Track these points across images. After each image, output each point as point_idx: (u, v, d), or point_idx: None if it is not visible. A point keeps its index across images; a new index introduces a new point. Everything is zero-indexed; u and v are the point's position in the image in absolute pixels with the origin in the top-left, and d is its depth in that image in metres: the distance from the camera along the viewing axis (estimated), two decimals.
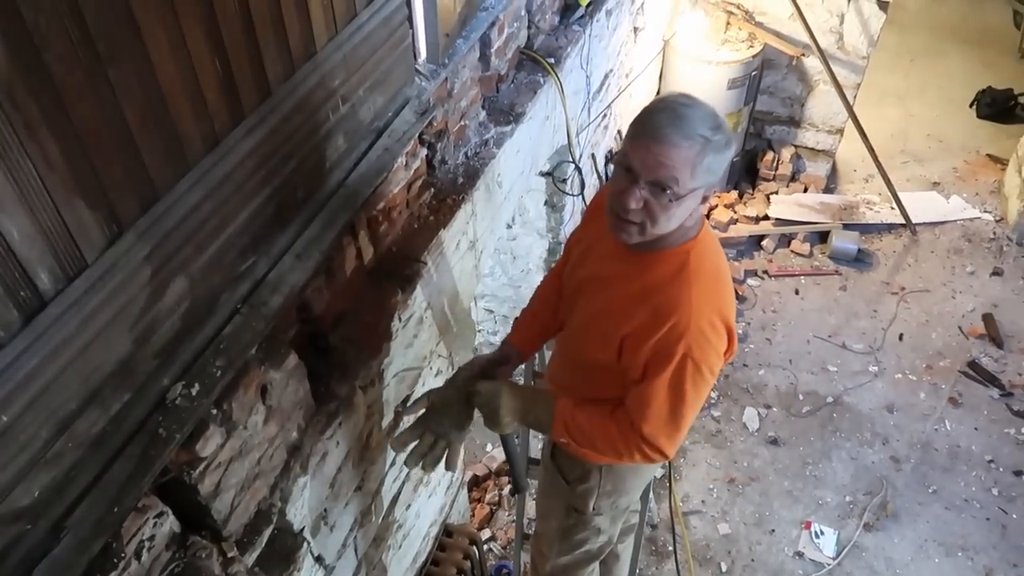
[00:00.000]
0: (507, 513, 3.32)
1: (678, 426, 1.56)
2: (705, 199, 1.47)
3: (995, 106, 5.18)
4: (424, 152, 1.95)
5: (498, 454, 3.52)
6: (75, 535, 1.07)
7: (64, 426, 1.04)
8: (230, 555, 1.31)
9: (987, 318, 4.01)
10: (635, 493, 2.02)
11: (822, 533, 3.22)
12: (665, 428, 1.55)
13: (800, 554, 3.18)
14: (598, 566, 2.25)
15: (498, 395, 1.66)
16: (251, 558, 1.43)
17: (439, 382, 2.29)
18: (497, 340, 3.69)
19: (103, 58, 0.97)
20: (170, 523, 1.23)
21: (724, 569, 3.13)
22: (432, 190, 2.05)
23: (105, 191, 1.03)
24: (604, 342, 1.57)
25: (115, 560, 1.13)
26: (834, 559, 3.15)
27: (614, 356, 1.56)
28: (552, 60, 2.54)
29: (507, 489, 3.40)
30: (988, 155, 4.95)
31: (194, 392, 1.22)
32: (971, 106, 5.26)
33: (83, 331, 1.04)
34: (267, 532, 1.47)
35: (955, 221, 4.57)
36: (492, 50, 2.22)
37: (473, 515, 3.26)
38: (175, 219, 1.16)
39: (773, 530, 3.26)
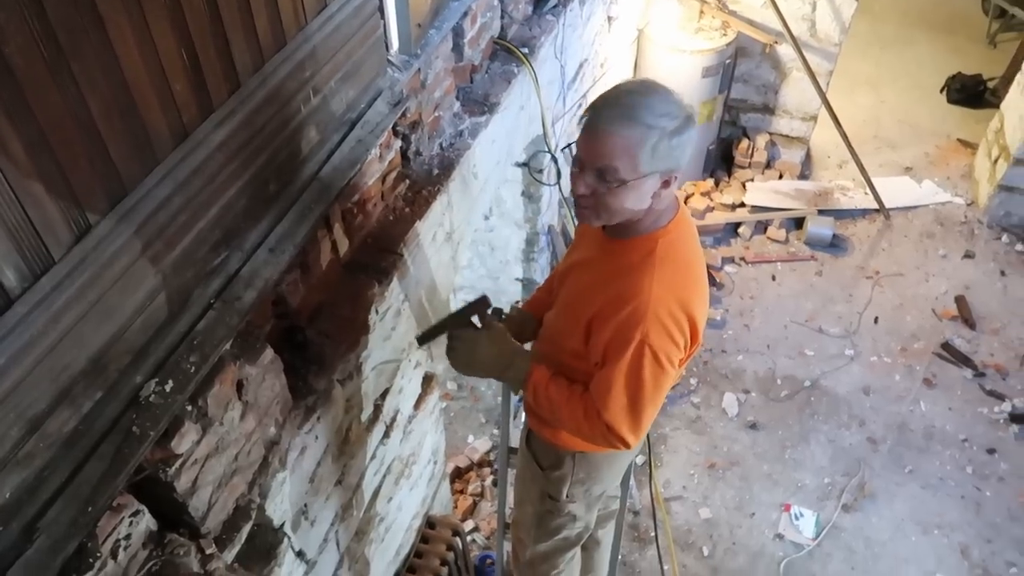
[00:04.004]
0: (490, 504, 3.33)
1: (638, 415, 1.56)
2: (666, 183, 1.46)
3: (965, 91, 5.24)
4: (398, 144, 1.94)
5: (480, 445, 3.53)
6: (48, 536, 1.05)
7: (35, 426, 1.03)
8: (209, 552, 1.30)
9: (959, 300, 4.08)
10: (609, 481, 2.04)
11: (801, 515, 3.26)
12: (625, 417, 1.56)
13: (780, 536, 3.22)
14: (579, 552, 2.27)
15: (478, 340, 1.69)
16: (231, 555, 1.42)
17: (418, 374, 2.29)
18: None
19: (65, 51, 0.95)
20: (146, 521, 1.22)
21: (706, 553, 3.16)
22: (407, 182, 2.04)
23: (71, 186, 1.02)
24: (575, 326, 1.60)
25: (90, 560, 1.11)
26: (814, 540, 3.19)
27: (583, 342, 1.59)
28: (526, 50, 2.53)
29: (490, 480, 3.41)
30: (959, 140, 5.02)
31: (168, 389, 1.21)
32: (941, 92, 5.33)
33: (51, 329, 1.02)
34: (246, 528, 1.46)
35: (927, 205, 4.63)
36: (465, 40, 2.20)
37: (456, 506, 3.26)
38: (144, 214, 1.14)
39: (753, 513, 3.29)
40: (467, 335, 1.72)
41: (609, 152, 1.40)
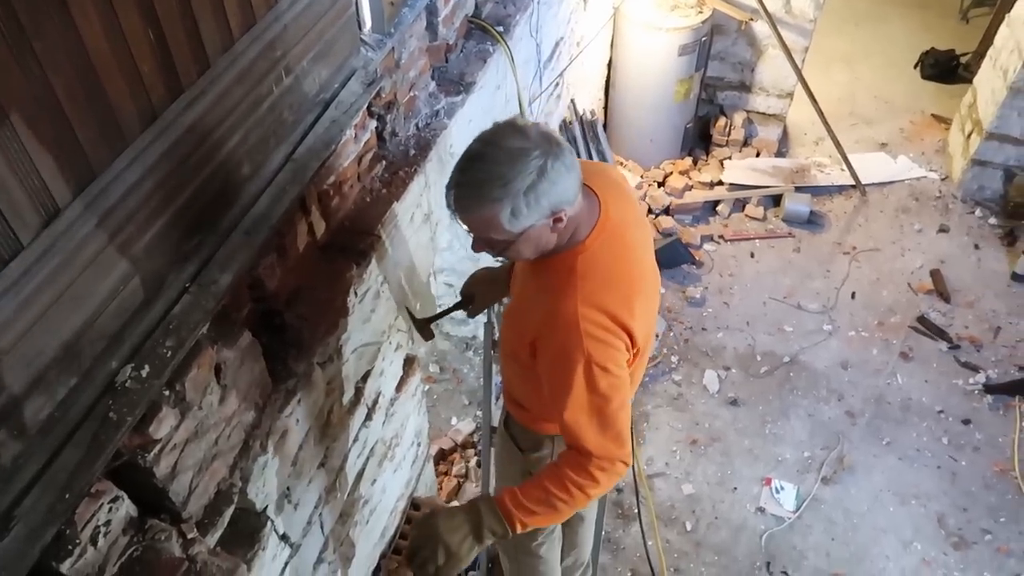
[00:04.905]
0: (474, 485, 3.34)
1: (616, 429, 1.53)
2: (557, 219, 1.42)
3: (938, 67, 5.28)
4: (374, 124, 1.92)
5: (464, 427, 3.53)
6: (25, 524, 1.04)
7: (7, 413, 1.02)
8: (190, 537, 1.30)
9: (935, 274, 4.13)
10: None
11: (782, 488, 3.31)
12: (608, 437, 1.52)
13: (762, 509, 3.26)
14: (560, 530, 2.28)
15: (434, 527, 1.51)
16: (213, 539, 1.42)
17: (400, 356, 2.29)
18: (460, 315, 3.68)
19: (27, 30, 0.93)
20: (126, 507, 1.21)
21: (689, 528, 3.20)
22: (384, 162, 2.03)
23: (37, 169, 1.00)
24: (520, 335, 1.60)
25: (69, 547, 1.11)
26: (794, 512, 3.24)
27: (528, 353, 1.57)
28: (501, 28, 2.52)
29: (474, 461, 3.42)
30: (933, 115, 5.05)
31: (144, 374, 1.20)
32: (915, 67, 5.36)
33: (21, 315, 1.00)
34: (228, 512, 1.45)
35: (903, 181, 4.67)
36: (439, 19, 2.18)
37: (440, 488, 3.27)
38: (114, 197, 1.13)
39: (735, 488, 3.33)
40: (423, 530, 1.53)
41: (475, 229, 1.43)
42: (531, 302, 1.59)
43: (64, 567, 1.11)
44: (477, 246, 1.48)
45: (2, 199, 0.95)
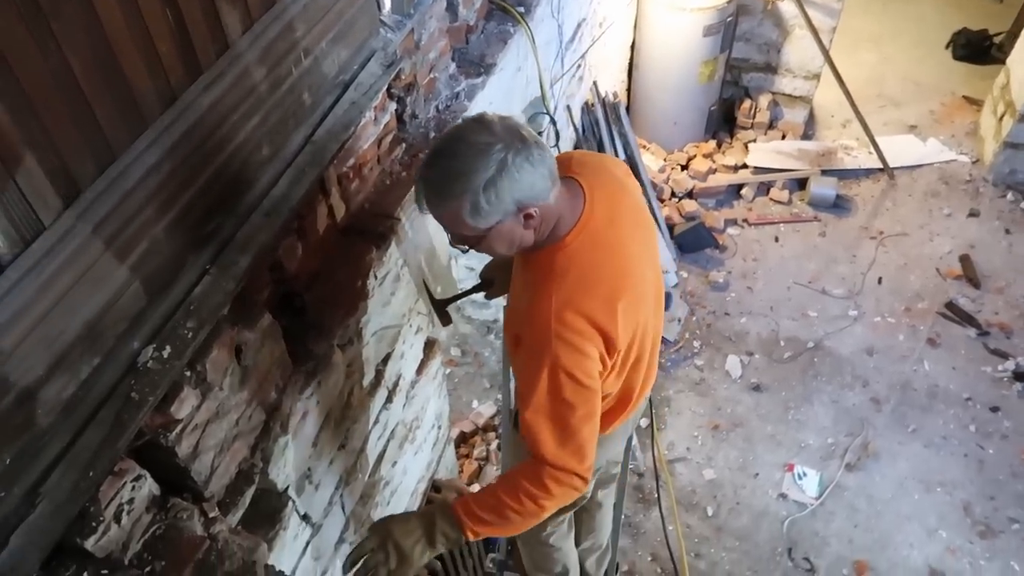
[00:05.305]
0: (495, 468, 3.35)
1: (577, 441, 1.47)
2: (528, 216, 1.40)
3: (970, 47, 5.15)
4: (393, 106, 1.91)
5: (485, 410, 3.54)
6: (51, 501, 1.06)
7: (31, 392, 1.03)
8: (212, 515, 1.31)
9: (964, 259, 4.05)
10: (603, 459, 2.02)
11: (805, 475, 3.28)
12: (568, 449, 1.47)
13: (784, 496, 3.24)
14: (572, 519, 2.28)
15: (388, 530, 1.53)
16: (235, 518, 1.44)
17: (420, 339, 2.29)
18: (479, 298, 3.68)
19: (45, 10, 0.93)
20: (149, 486, 1.23)
21: (710, 513, 3.19)
22: (404, 145, 2.02)
23: (58, 151, 1.00)
24: (510, 327, 1.61)
25: (93, 524, 1.12)
26: (817, 499, 3.21)
27: (515, 344, 1.56)
28: (522, 9, 2.49)
29: (495, 444, 3.43)
30: (964, 97, 4.94)
31: (165, 355, 1.21)
32: (947, 48, 5.24)
33: (44, 296, 1.01)
34: (249, 492, 1.47)
35: (932, 164, 4.58)
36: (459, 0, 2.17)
37: (461, 471, 3.29)
38: (134, 179, 1.13)
39: (757, 474, 3.31)
40: (376, 531, 1.55)
41: (444, 224, 1.42)
42: (518, 297, 1.56)
43: (88, 543, 1.13)
44: (452, 240, 1.47)
45: (23, 181, 0.96)
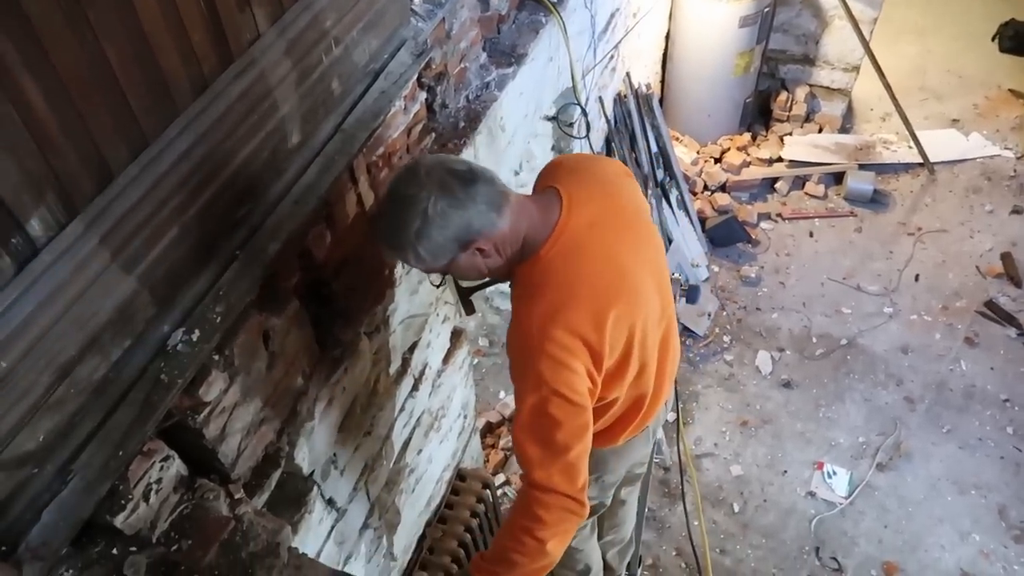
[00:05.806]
0: None
1: (565, 460, 1.44)
2: (479, 249, 1.42)
3: (1018, 39, 5.01)
4: (423, 96, 1.91)
5: (511, 401, 3.55)
6: (82, 478, 1.09)
7: (64, 372, 1.05)
8: (237, 497, 1.33)
9: (1005, 257, 3.95)
10: (621, 470, 2.03)
11: (834, 473, 3.24)
12: (555, 468, 1.44)
13: (812, 494, 3.20)
14: (595, 519, 2.28)
15: None
16: (260, 500, 1.46)
17: (447, 329, 2.30)
18: (506, 288, 3.69)
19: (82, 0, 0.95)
20: (177, 466, 1.25)
21: (736, 509, 3.17)
22: (433, 135, 2.02)
23: (92, 136, 1.02)
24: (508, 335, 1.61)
25: (123, 502, 1.15)
26: (846, 498, 3.17)
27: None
28: None
29: None
30: (1010, 90, 4.81)
31: (195, 338, 1.23)
32: (993, 40, 5.10)
33: (77, 278, 1.04)
34: (275, 476, 1.49)
35: (974, 159, 4.47)
36: None
37: (487, 460, 3.30)
38: (166, 165, 1.15)
39: (785, 471, 3.28)
40: None
41: (404, 263, 1.52)
42: (512, 308, 1.54)
43: (118, 520, 1.15)
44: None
45: (58, 164, 0.98)
